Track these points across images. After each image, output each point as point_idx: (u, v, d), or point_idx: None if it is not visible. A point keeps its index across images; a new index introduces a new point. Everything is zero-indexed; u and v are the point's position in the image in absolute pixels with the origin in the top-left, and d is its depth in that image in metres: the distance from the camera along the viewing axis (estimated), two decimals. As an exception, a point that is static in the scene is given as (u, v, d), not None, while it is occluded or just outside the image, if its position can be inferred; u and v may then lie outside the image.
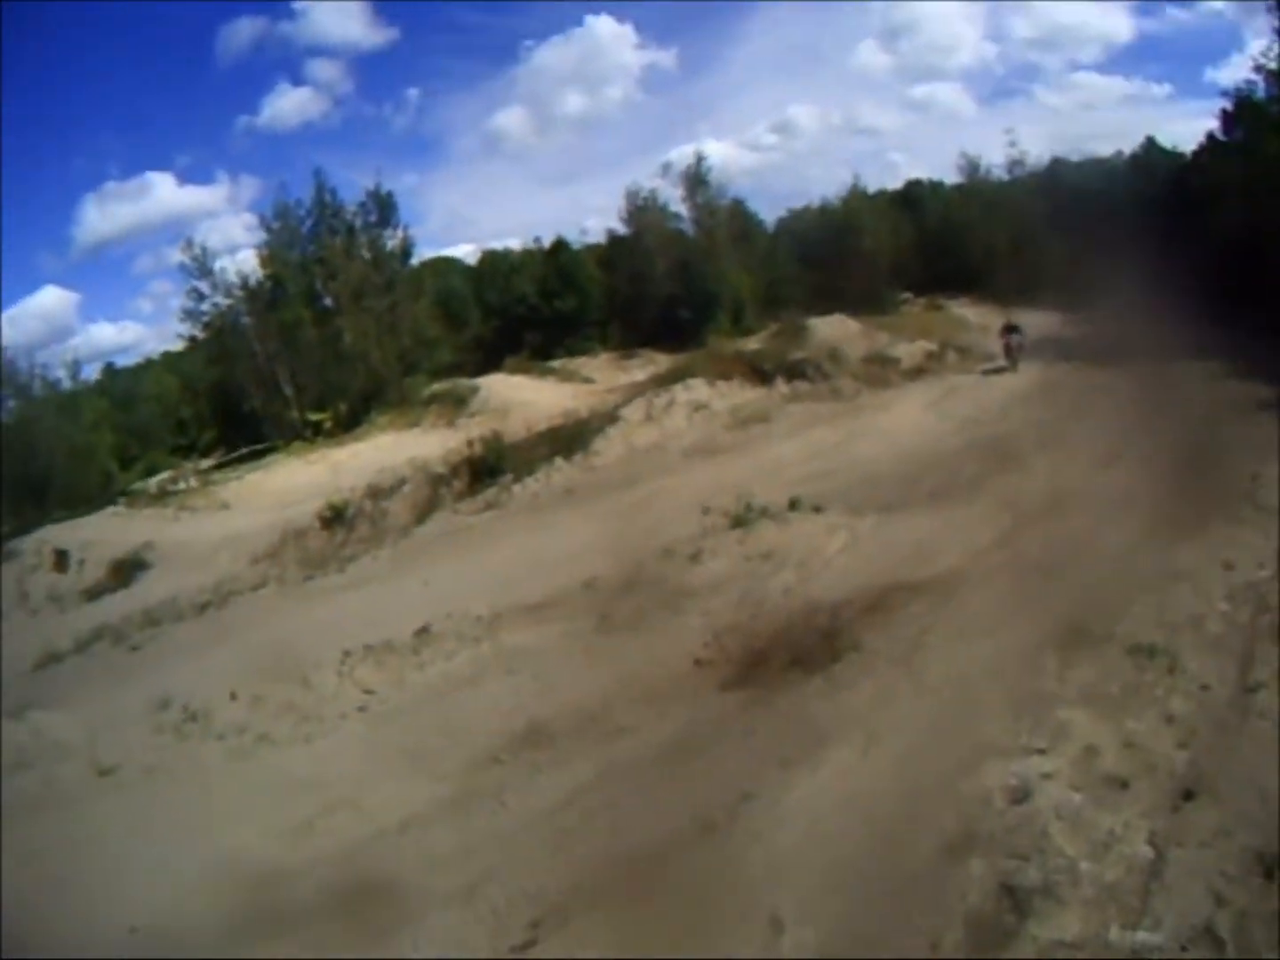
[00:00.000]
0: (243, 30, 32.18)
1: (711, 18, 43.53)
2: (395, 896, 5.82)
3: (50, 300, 31.85)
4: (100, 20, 31.92)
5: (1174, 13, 36.03)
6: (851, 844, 5.57)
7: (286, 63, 34.49)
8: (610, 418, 17.43)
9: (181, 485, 21.54)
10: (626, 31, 33.56)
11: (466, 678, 8.62)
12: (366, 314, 24.86)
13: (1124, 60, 35.98)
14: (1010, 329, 21.60)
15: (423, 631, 9.48)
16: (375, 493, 16.38)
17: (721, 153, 33.15)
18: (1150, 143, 31.19)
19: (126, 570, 15.93)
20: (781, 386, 19.28)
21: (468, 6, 36.52)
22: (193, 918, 5.81)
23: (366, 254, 25.79)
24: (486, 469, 16.05)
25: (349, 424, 23.88)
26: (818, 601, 8.95)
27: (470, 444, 16.85)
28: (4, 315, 29.69)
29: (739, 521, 11.37)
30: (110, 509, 19.31)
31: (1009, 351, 21.26)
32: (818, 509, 11.52)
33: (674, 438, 17.12)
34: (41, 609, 15.77)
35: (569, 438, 16.74)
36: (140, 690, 9.64)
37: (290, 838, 6.66)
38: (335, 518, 15.73)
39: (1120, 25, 35.57)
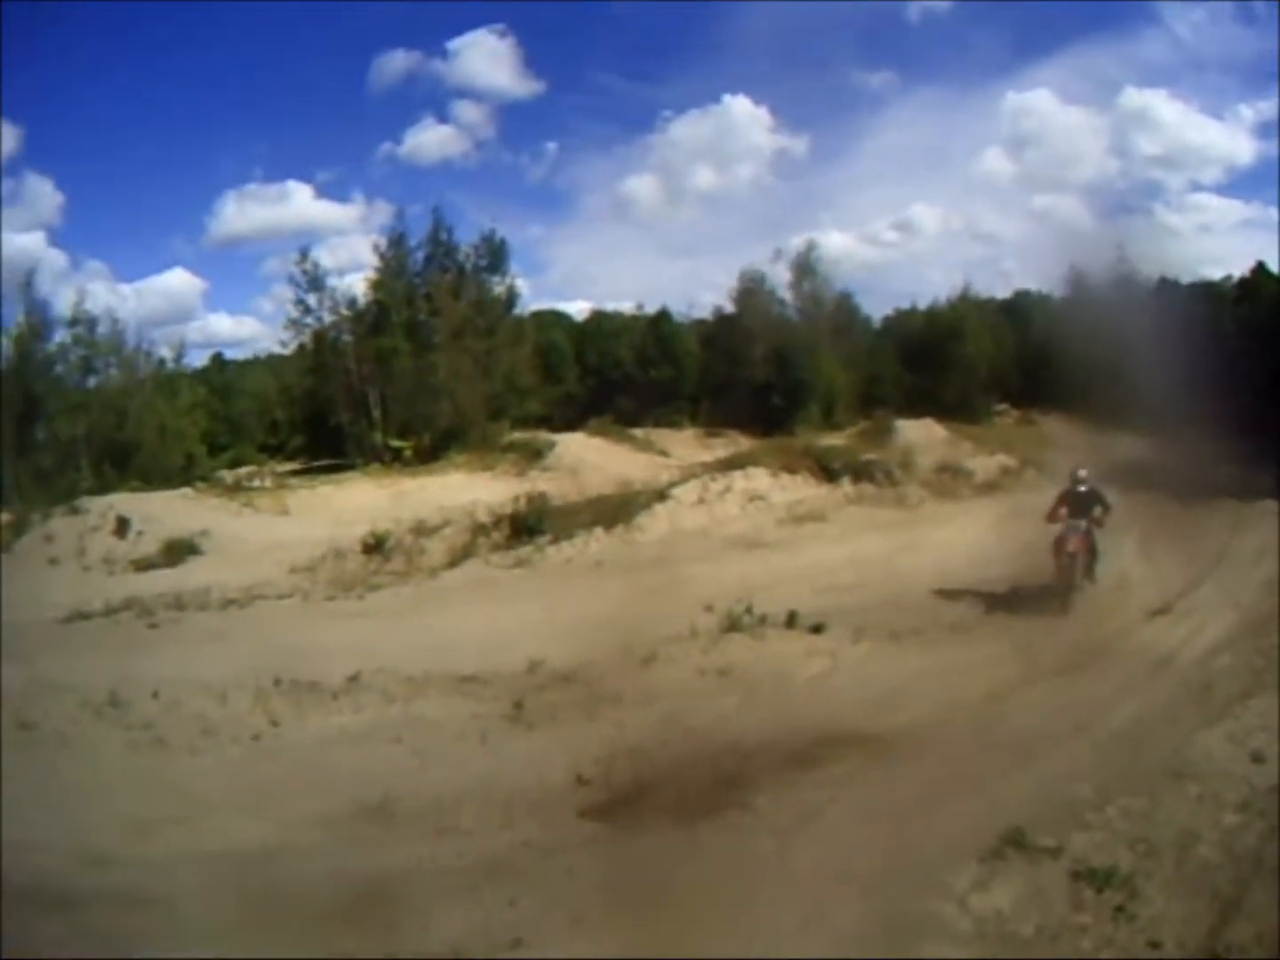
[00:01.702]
0: (396, 62, 33.48)
1: (844, 110, 42.97)
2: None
3: (177, 282, 33.84)
4: (265, 32, 33.96)
5: (1297, 138, 34.43)
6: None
7: (434, 99, 35.83)
8: (661, 495, 17.05)
9: (256, 483, 22.32)
10: (761, 114, 33.49)
11: (359, 735, 8.44)
12: (464, 354, 25.07)
13: (1244, 183, 34.51)
14: (1076, 502, 12.57)
15: (353, 679, 9.37)
16: (419, 529, 16.37)
17: (842, 244, 32.85)
18: (1260, 268, 29.73)
19: (178, 551, 16.30)
20: (847, 486, 18.60)
21: (612, 72, 37.28)
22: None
23: (473, 296, 26.35)
24: (527, 526, 15.89)
25: (428, 457, 24.16)
26: (742, 738, 8.03)
27: (516, 499, 16.76)
28: (131, 288, 31.73)
29: (731, 627, 11.02)
30: (182, 491, 19.94)
31: (1063, 552, 12.12)
32: (817, 628, 10.77)
33: (721, 525, 16.66)
34: (93, 568, 16.21)
35: (615, 508, 16.37)
36: (122, 664, 9.84)
37: (122, 833, 6.63)
38: (376, 545, 15.78)
39: (1243, 147, 34.06)
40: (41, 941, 5.42)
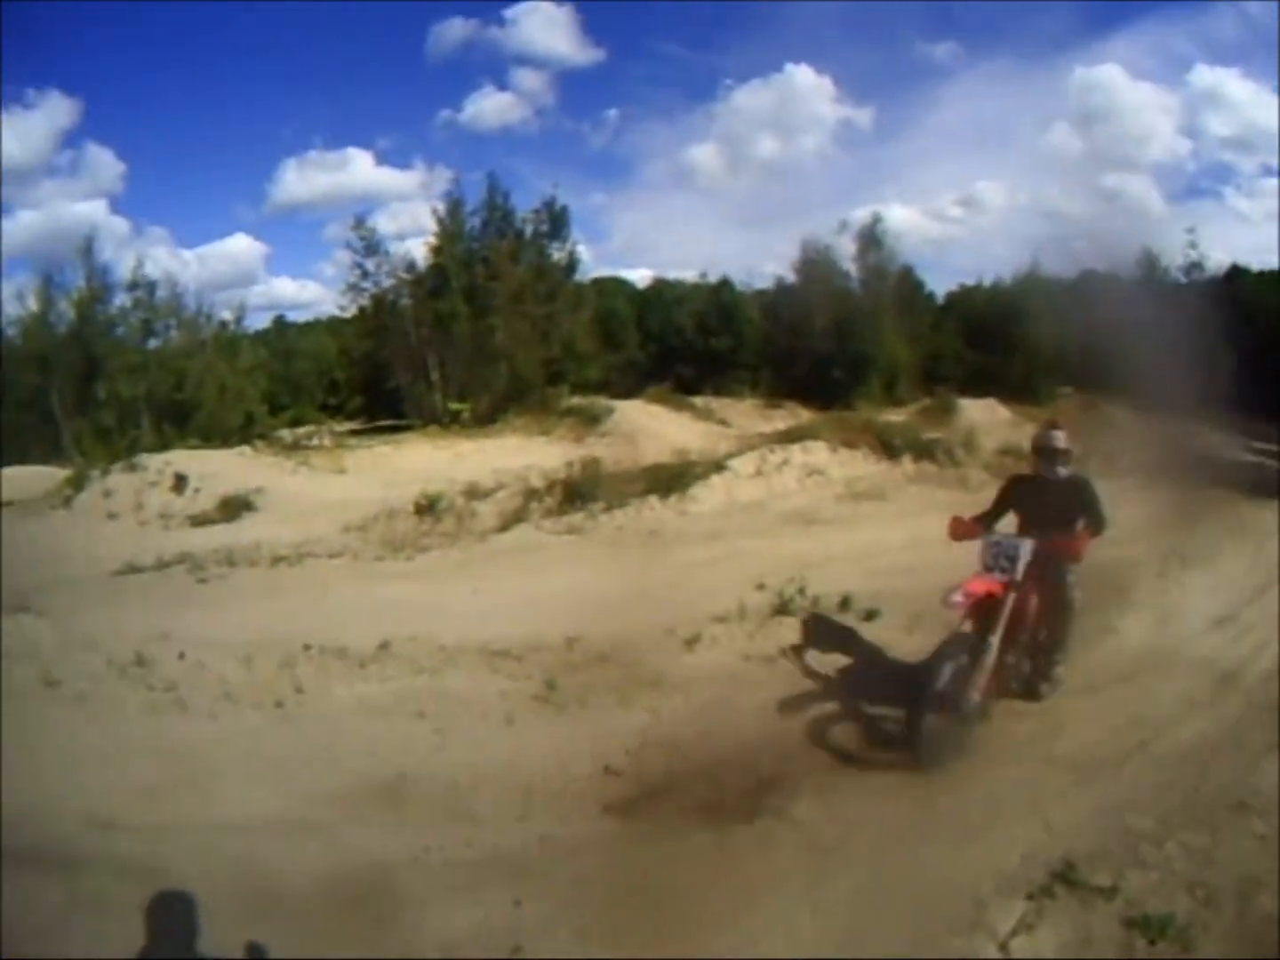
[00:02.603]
0: (454, 29, 33.63)
1: (908, 81, 41.46)
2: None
3: (240, 247, 35.16)
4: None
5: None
6: None
7: (493, 67, 36.05)
8: (718, 465, 16.41)
9: (315, 442, 22.44)
10: (825, 83, 32.56)
11: (382, 707, 7.97)
12: (523, 319, 25.01)
13: (1318, 170, 32.82)
14: (1034, 501, 7.62)
15: (383, 647, 8.90)
16: (472, 491, 16.05)
17: (906, 218, 31.93)
18: (1328, 259, 28.19)
19: (234, 508, 16.34)
20: (908, 465, 17.70)
21: (673, 40, 36.75)
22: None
23: (533, 261, 26.05)
24: (580, 492, 15.40)
25: (486, 419, 24.06)
26: (784, 735, 7.27)
27: (570, 464, 16.36)
28: (193, 253, 32.94)
29: (781, 609, 10.42)
30: (240, 449, 20.05)
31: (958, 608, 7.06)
32: (870, 614, 9.91)
33: (779, 499, 16.00)
34: (150, 523, 16.34)
35: (670, 477, 15.77)
36: (161, 620, 9.56)
37: (130, 797, 6.36)
38: (428, 506, 15.52)
39: (1318, 132, 32.33)
40: (42, 906, 5.18)
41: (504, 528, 14.81)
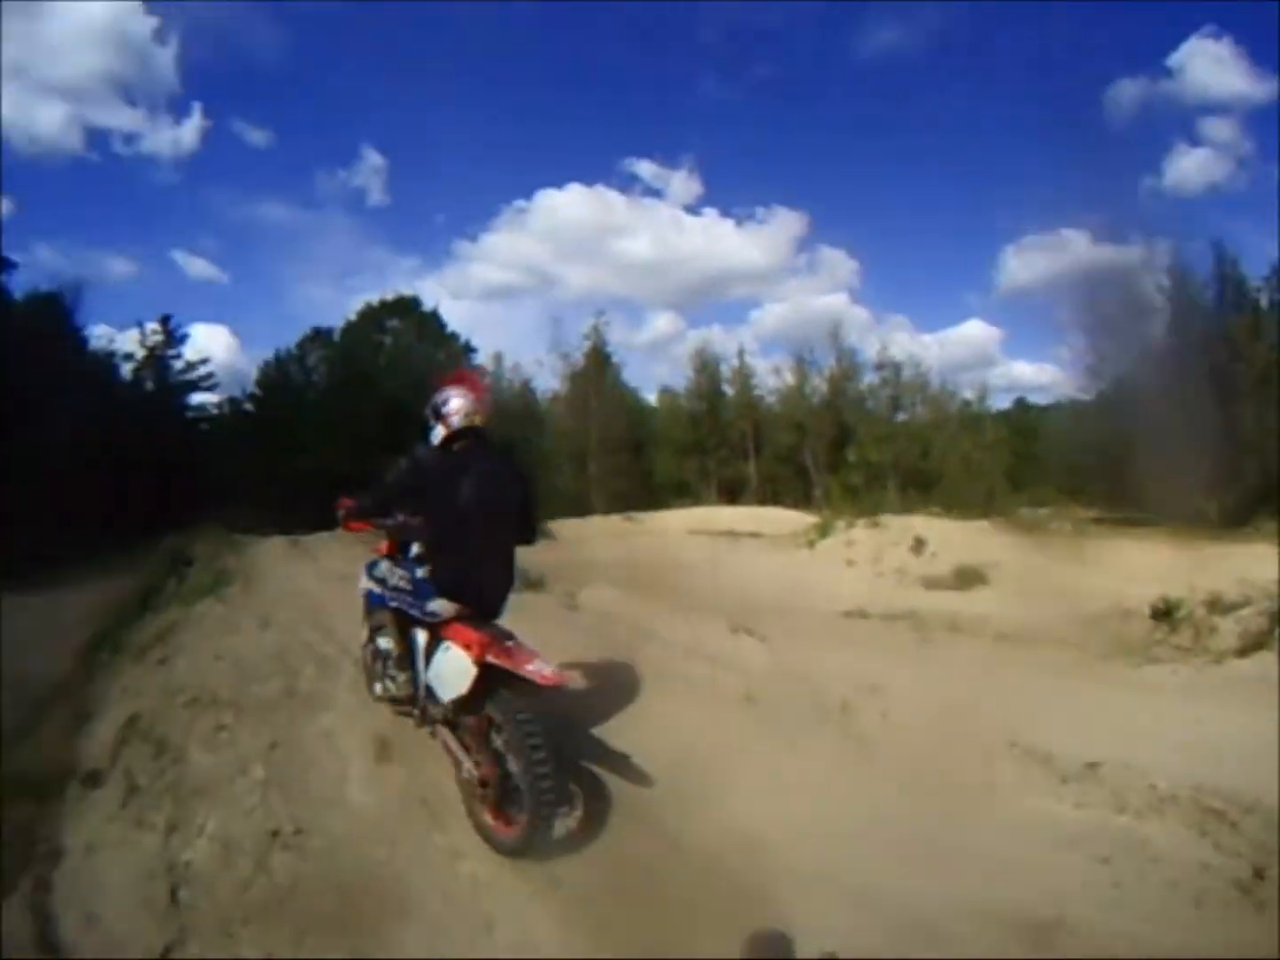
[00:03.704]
0: (1126, 90, 31.26)
1: None
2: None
3: (974, 332, 37.69)
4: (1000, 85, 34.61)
5: None
6: None
7: (1179, 122, 32.55)
8: None
9: (1054, 525, 22.11)
10: None
11: (1068, 836, 6.99)
12: (1273, 405, 21.85)
13: None
14: None
15: (1091, 767, 7.91)
16: (1213, 603, 14.26)
17: None
18: None
19: (968, 578, 17.15)
20: None
21: None
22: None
23: (1274, 338, 22.61)
24: (1334, 622, 12.92)
25: (1236, 519, 21.83)
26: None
27: (1328, 586, 13.66)
28: (933, 338, 36.29)
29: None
30: (979, 523, 20.78)
31: None
32: None
33: None
34: (885, 576, 18.11)
35: None
36: (873, 669, 10.39)
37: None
38: (1165, 612, 14.24)
39: None
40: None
41: (1243, 651, 12.79)
